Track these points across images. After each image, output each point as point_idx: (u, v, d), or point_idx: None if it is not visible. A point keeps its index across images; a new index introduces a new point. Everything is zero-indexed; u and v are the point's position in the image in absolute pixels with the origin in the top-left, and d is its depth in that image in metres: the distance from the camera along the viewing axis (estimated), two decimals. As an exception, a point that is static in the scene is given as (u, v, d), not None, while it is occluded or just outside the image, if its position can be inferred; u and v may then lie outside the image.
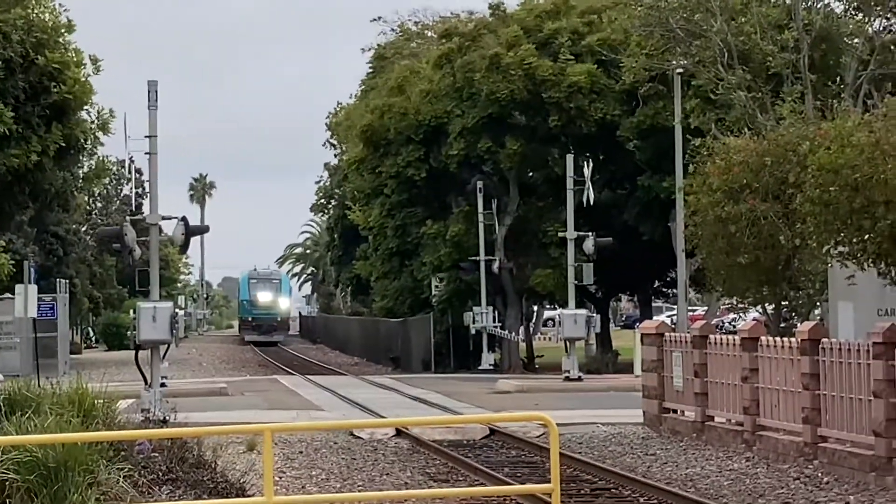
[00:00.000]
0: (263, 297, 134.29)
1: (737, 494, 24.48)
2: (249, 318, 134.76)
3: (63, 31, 48.85)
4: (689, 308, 57.81)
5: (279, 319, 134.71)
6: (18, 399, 23.41)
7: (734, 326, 51.58)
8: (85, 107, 50.24)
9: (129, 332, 41.56)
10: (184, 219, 38.89)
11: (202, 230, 43.42)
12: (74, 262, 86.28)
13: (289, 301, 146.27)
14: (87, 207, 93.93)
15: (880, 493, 23.85)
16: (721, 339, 33.48)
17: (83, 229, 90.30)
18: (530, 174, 67.91)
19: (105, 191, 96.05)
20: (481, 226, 67.46)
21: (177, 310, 38.91)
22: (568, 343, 56.59)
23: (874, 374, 25.14)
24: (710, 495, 24.21)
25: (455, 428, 34.32)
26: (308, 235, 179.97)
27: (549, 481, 12.86)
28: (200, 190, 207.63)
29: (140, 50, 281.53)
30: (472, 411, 41.35)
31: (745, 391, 30.60)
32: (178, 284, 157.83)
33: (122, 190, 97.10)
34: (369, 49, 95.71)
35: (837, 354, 27.12)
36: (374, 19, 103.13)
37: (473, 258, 68.00)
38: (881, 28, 49.08)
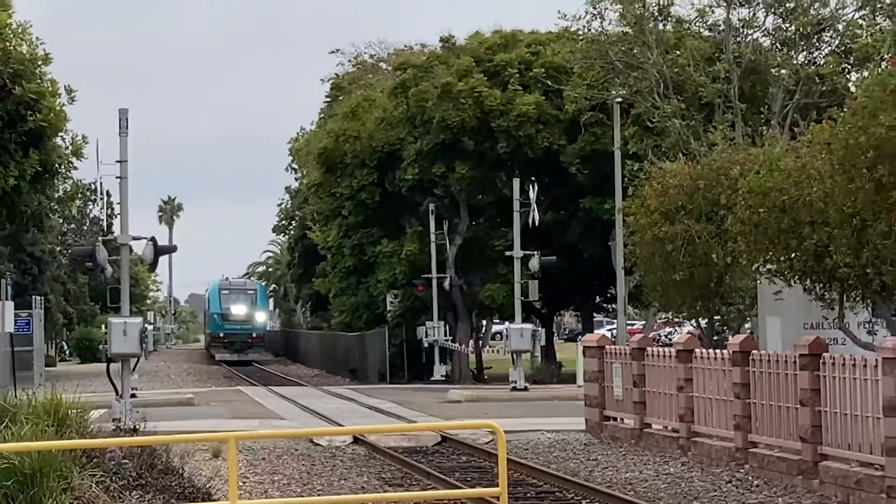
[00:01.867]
0: (237, 309, 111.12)
1: (673, 497, 24.53)
2: (220, 335, 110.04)
3: (40, 62, 48.77)
4: (628, 322, 57.94)
5: (254, 336, 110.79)
6: (-2, 409, 23.32)
7: (670, 339, 51.69)
8: (60, 133, 50.20)
9: (101, 346, 41.31)
10: (153, 239, 38.84)
11: (170, 250, 43.45)
12: (49, 279, 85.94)
13: (265, 315, 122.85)
14: (62, 228, 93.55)
15: (807, 495, 23.96)
16: (658, 351, 33.54)
17: (57, 249, 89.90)
18: (479, 197, 67.97)
19: (78, 213, 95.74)
20: (433, 245, 67.44)
21: (146, 325, 38.83)
22: (515, 355, 56.54)
23: (800, 384, 25.26)
24: (647, 498, 24.25)
25: (409, 435, 34.30)
26: (270, 254, 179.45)
27: (497, 485, 12.88)
28: (169, 211, 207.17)
29: (112, 80, 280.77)
30: (424, 420, 41.31)
31: (681, 400, 30.69)
32: (148, 301, 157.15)
33: (91, 211, 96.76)
34: (328, 79, 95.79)
35: (766, 365, 27.23)
36: (333, 51, 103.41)
37: (426, 276, 68.00)
38: (805, 61, 49.44)
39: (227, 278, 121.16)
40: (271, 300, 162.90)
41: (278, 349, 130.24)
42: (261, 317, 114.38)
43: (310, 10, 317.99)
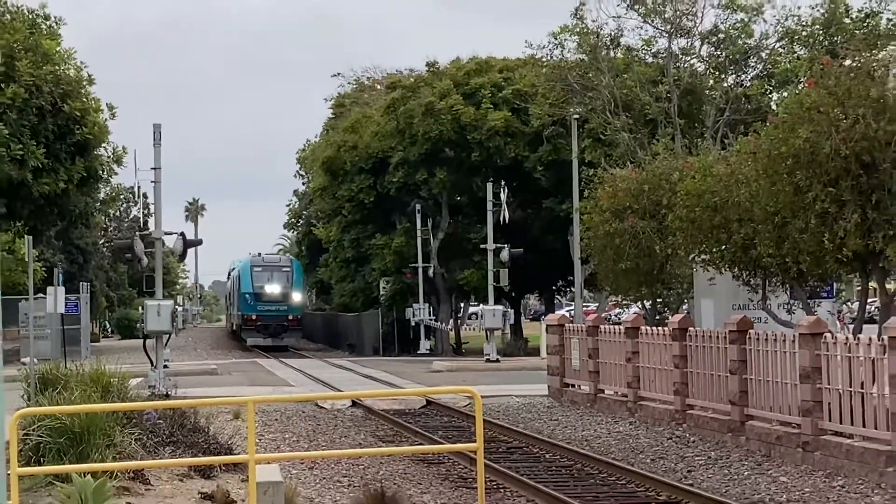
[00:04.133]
0: (272, 288, 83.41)
1: (622, 451, 24.58)
2: (253, 316, 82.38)
3: (85, 83, 48.63)
4: (584, 304, 57.91)
5: (290, 318, 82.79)
6: (50, 378, 23.30)
7: (619, 318, 51.75)
8: (102, 144, 50.10)
9: (138, 325, 41.42)
10: (182, 234, 38.83)
11: (196, 243, 43.27)
12: (94, 268, 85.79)
13: (302, 294, 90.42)
14: (104, 225, 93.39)
15: (735, 449, 24.02)
16: (609, 328, 33.62)
17: (101, 242, 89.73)
18: (458, 198, 67.92)
19: (118, 212, 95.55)
20: (419, 239, 67.39)
21: (176, 306, 38.80)
22: (488, 332, 56.66)
23: (730, 356, 25.32)
24: (601, 452, 24.30)
25: (399, 400, 34.32)
26: (280, 247, 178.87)
27: (474, 441, 12.89)
28: (194, 210, 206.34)
29: (146, 97, 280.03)
30: (412, 386, 41.33)
31: (629, 370, 30.74)
32: (177, 286, 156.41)
33: (130, 211, 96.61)
34: (330, 99, 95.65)
35: (701, 340, 27.31)
36: (335, 75, 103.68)
37: (413, 265, 67.99)
38: (734, 83, 49.48)
39: (259, 254, 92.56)
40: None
41: None
42: (298, 296, 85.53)
43: (315, 39, 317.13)
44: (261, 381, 43.72)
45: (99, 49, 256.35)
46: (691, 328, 28.26)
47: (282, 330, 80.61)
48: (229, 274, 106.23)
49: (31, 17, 48.20)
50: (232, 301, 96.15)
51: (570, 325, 37.55)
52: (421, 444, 25.46)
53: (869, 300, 28.66)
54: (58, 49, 47.99)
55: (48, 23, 48.78)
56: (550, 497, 18.82)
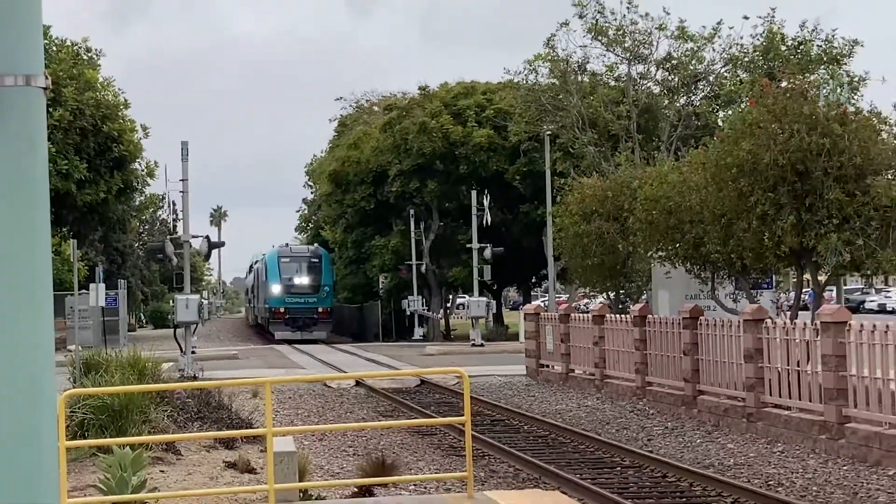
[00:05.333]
0: (300, 279, 70.50)
1: (590, 422, 24.62)
2: (281, 309, 68.89)
3: (121, 107, 48.68)
4: (556, 295, 57.91)
5: (320, 310, 69.53)
6: (92, 363, 23.30)
7: (587, 308, 51.79)
8: (137, 160, 50.16)
9: (169, 316, 41.24)
10: (207, 237, 38.90)
11: (219, 245, 43.38)
12: (130, 267, 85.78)
13: (332, 286, 75.22)
14: (139, 230, 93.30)
15: (688, 420, 24.10)
16: (578, 316, 33.74)
17: (136, 245, 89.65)
18: (447, 204, 67.87)
19: (151, 218, 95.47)
20: (413, 240, 67.39)
21: (202, 300, 38.74)
22: (473, 320, 56.73)
23: (683, 340, 25.39)
24: (572, 423, 24.34)
25: (396, 379, 34.31)
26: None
27: (462, 415, 12.91)
28: (217, 216, 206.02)
29: (174, 117, 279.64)
30: (407, 368, 41.26)
31: (596, 352, 30.82)
32: (203, 282, 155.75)
33: (161, 216, 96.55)
34: (334, 119, 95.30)
35: (658, 326, 27.40)
36: (338, 98, 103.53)
37: (408, 262, 67.99)
38: (685, 103, 49.49)
39: (287, 244, 79.63)
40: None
41: None
42: (328, 288, 71.58)
43: (320, 67, 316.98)
44: (276, 365, 43.75)
45: (133, 73, 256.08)
46: (650, 315, 28.34)
47: (311, 323, 67.49)
48: (251, 267, 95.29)
49: (74, 49, 48.24)
50: (255, 293, 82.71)
51: (545, 313, 37.64)
52: (416, 418, 25.46)
53: (803, 290, 28.72)
54: (98, 77, 47.98)
55: (89, 54, 48.82)
56: (528, 463, 18.85)
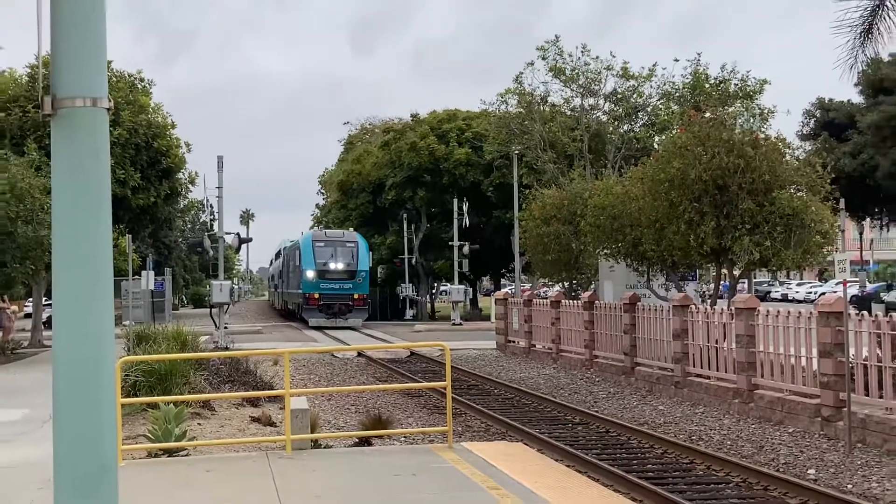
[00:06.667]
0: (336, 265, 55.28)
1: (548, 387, 24.64)
2: (315, 295, 54.74)
3: (169, 127, 48.43)
4: (521, 284, 57.95)
5: (356, 297, 54.88)
6: (143, 336, 23.20)
7: (546, 294, 51.90)
8: (181, 170, 49.99)
9: (206, 298, 41.24)
10: (237, 234, 38.99)
11: (247, 240, 43.20)
12: (174, 258, 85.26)
13: (368, 272, 57.87)
14: (182, 228, 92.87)
15: (627, 387, 24.12)
16: (539, 301, 33.73)
17: (179, 240, 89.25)
18: (433, 209, 67.85)
19: (192, 218, 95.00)
20: (405, 238, 67.50)
21: (233, 286, 38.68)
22: (454, 304, 56.70)
23: (624, 321, 25.42)
24: (532, 388, 24.36)
25: (391, 351, 34.34)
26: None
27: (444, 380, 12.92)
28: (246, 217, 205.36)
29: (212, 134, 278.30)
30: (400, 342, 41.21)
31: (553, 331, 30.85)
32: (234, 271, 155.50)
33: (200, 216, 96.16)
34: (342, 139, 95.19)
35: (604, 310, 27.43)
36: (345, 123, 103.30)
37: (402, 256, 68.13)
38: (628, 129, 49.59)
39: (321, 228, 68.48)
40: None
41: None
42: (364, 273, 55.59)
43: (331, 97, 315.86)
44: (293, 339, 43.66)
45: (179, 100, 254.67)
46: (597, 301, 28.38)
47: (347, 310, 53.58)
48: (277, 254, 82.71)
49: (130, 79, 48.03)
50: (285, 279, 68.94)
51: (512, 298, 37.64)
52: (406, 382, 25.47)
53: (721, 282, 28.80)
54: (150, 103, 47.76)
55: (142, 84, 48.60)
56: (497, 420, 18.86)
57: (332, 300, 53.45)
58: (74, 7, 4.28)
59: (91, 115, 4.31)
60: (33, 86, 41.73)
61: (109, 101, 4.38)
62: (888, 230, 73.18)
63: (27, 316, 49.91)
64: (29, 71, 43.99)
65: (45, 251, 28.62)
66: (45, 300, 41.83)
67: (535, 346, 32.82)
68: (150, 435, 13.65)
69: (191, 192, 54.61)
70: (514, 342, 35.04)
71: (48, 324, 37.98)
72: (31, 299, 44.28)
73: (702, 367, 21.39)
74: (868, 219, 61.87)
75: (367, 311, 55.47)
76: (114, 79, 46.27)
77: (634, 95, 49.52)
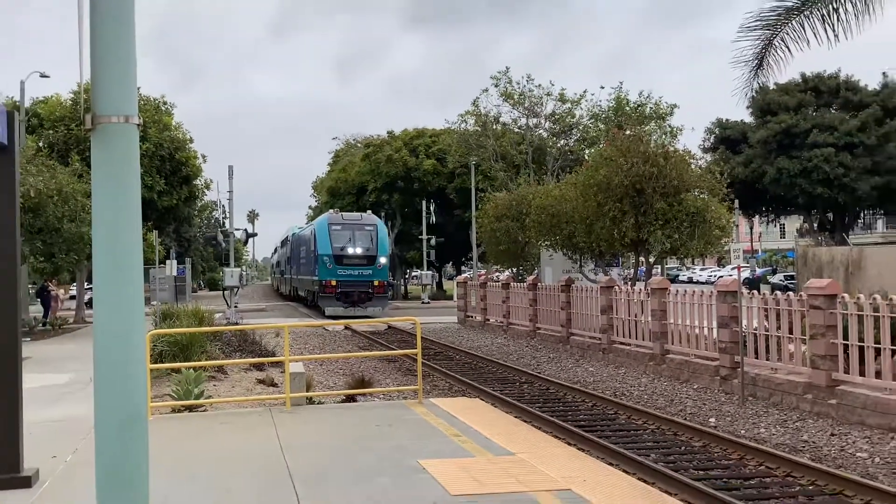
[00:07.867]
0: (354, 249, 40.39)
1: (500, 354, 24.65)
2: (332, 282, 39.83)
3: (188, 141, 47.98)
4: (478, 269, 58.05)
5: (376, 284, 40.23)
6: (168, 313, 23.07)
7: (498, 278, 52.02)
8: (198, 177, 49.59)
9: (220, 282, 40.86)
10: (245, 230, 38.80)
11: (253, 235, 42.90)
12: (193, 250, 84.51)
13: (388, 257, 42.66)
14: (200, 225, 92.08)
15: (564, 353, 24.18)
16: (492, 284, 33.78)
17: (197, 234, 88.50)
18: (406, 210, 67.65)
19: (208, 217, 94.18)
20: (384, 233, 67.18)
21: (242, 272, 38.42)
22: (423, 286, 56.75)
23: (561, 299, 25.50)
24: (487, 354, 24.37)
25: (372, 325, 34.22)
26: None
27: (415, 348, 12.91)
28: (252, 216, 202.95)
29: (224, 146, 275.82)
30: (379, 318, 41.18)
31: (503, 308, 30.89)
32: (242, 260, 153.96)
33: (215, 215, 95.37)
34: (331, 152, 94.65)
35: (545, 290, 27.49)
36: (333, 138, 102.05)
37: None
38: (563, 143, 49.76)
39: (338, 211, 46.19)
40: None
41: None
42: (384, 259, 41.72)
43: (321, 117, 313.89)
44: (292, 315, 43.37)
45: (195, 118, 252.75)
46: (539, 283, 28.45)
47: (366, 297, 40.71)
48: (284, 241, 71.37)
49: (155, 102, 47.60)
50: (294, 265, 56.46)
51: (470, 281, 37.65)
52: (384, 350, 25.42)
53: (639, 268, 29.02)
54: (172, 122, 47.30)
55: (165, 105, 48.15)
56: (458, 380, 18.88)
57: (350, 287, 40.61)
58: (110, 41, 4.27)
59: (124, 130, 4.29)
60: (76, 107, 41.33)
61: (139, 118, 4.36)
62: (773, 225, 74.13)
63: (72, 297, 49.40)
64: (72, 95, 43.66)
65: (87, 244, 28.35)
66: (87, 285, 41.41)
67: (489, 320, 32.89)
68: (174, 394, 13.56)
69: (206, 195, 54.19)
70: (472, 317, 35.09)
71: (89, 304, 37.61)
72: (75, 284, 43.79)
73: (624, 337, 21.54)
74: (757, 216, 62.61)
75: (387, 299, 43.28)
76: (142, 102, 45.76)
77: (569, 116, 49.67)
